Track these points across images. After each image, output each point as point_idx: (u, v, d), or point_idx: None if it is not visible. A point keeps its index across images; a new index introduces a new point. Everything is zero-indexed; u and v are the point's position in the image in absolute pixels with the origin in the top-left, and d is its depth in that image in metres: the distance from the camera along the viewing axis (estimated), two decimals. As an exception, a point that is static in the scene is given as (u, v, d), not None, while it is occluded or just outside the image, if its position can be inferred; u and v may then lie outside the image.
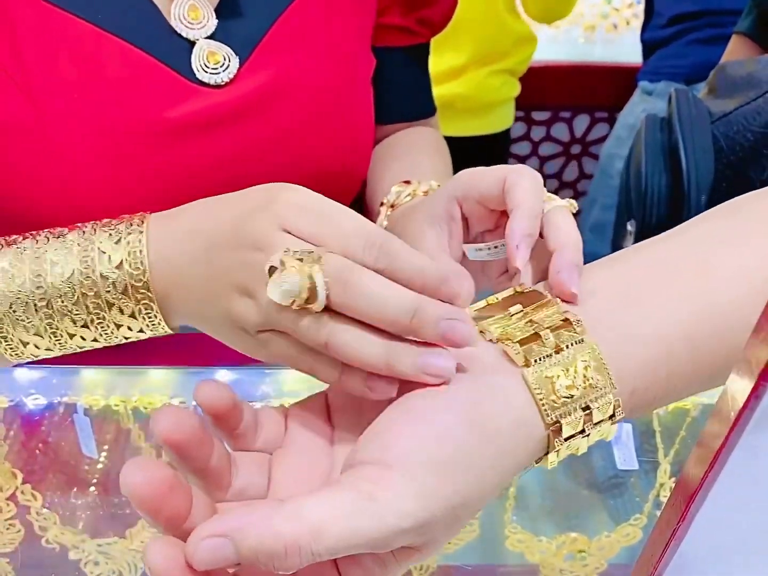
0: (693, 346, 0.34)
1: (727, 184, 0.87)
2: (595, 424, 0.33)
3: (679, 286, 0.35)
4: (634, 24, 1.99)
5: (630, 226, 0.96)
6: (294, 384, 0.52)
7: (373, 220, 0.62)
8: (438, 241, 0.45)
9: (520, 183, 0.41)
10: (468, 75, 1.35)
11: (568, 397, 0.32)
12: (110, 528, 0.61)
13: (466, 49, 1.33)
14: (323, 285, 0.32)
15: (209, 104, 0.54)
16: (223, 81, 0.55)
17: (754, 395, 0.19)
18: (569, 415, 0.32)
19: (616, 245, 1.01)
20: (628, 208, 0.98)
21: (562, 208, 0.40)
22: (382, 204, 0.57)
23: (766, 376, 0.19)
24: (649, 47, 1.57)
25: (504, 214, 0.43)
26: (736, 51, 1.20)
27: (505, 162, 1.53)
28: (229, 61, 0.55)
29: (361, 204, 0.70)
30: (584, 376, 0.32)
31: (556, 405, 0.32)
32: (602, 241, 1.61)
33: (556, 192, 1.97)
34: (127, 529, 0.60)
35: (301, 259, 0.32)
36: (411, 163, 0.65)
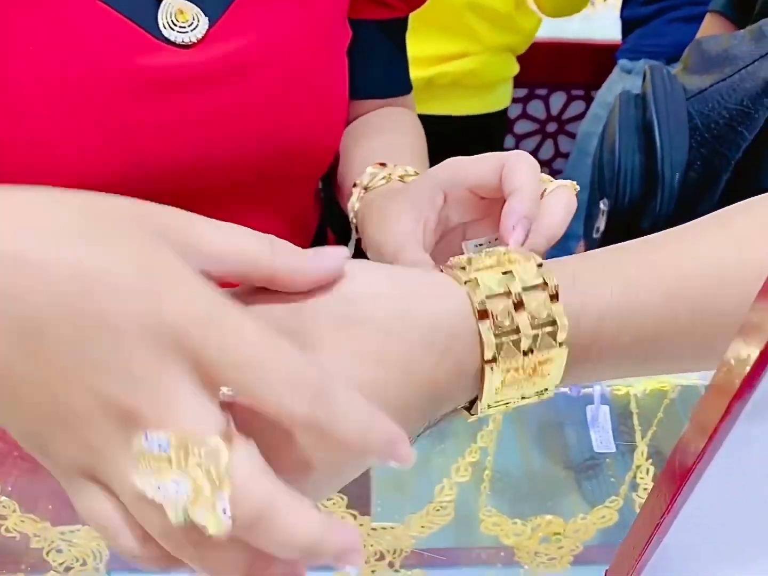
0: (693, 310, 0.32)
1: (702, 162, 0.86)
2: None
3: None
4: (611, 1, 1.97)
5: (603, 205, 0.95)
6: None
7: (344, 200, 0.61)
8: (413, 227, 0.43)
9: (520, 167, 0.40)
10: (475, 54, 1.33)
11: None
12: (74, 515, 0.59)
13: (479, 39, 1.30)
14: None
15: (175, 63, 0.52)
16: (190, 41, 0.53)
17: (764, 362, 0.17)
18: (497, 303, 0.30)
19: (589, 224, 1.00)
20: (600, 187, 0.97)
21: (565, 187, 0.40)
22: (355, 185, 0.56)
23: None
24: (628, 25, 1.56)
25: (494, 203, 0.42)
26: (710, 29, 1.19)
27: (503, 141, 1.52)
28: (198, 20, 0.53)
29: (332, 181, 0.68)
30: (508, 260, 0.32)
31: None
32: (577, 219, 1.60)
33: (531, 170, 1.98)
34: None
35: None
36: (386, 143, 0.64)
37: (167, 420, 0.24)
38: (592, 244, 0.98)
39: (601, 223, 0.94)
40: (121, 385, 0.24)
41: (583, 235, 1.03)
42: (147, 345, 0.24)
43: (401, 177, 0.54)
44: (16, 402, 0.25)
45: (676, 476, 0.23)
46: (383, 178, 0.54)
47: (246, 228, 0.29)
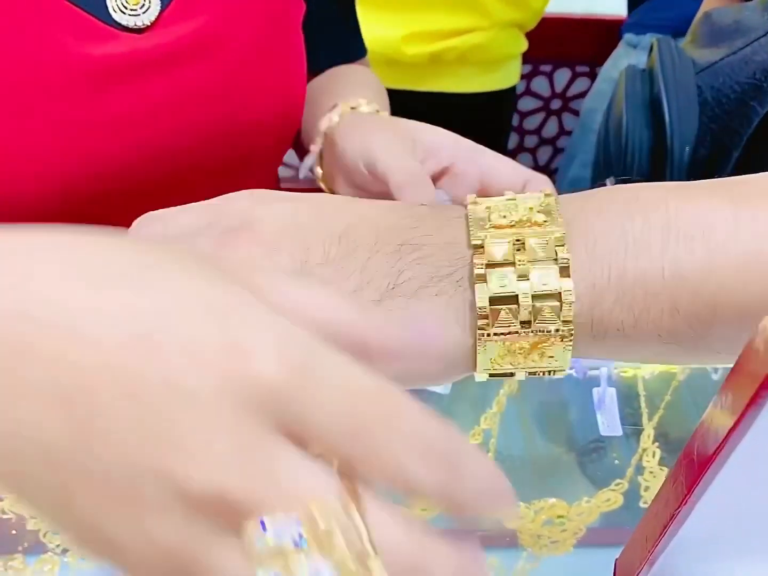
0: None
1: (712, 139, 0.84)
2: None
3: None
4: (617, -25, 1.93)
5: (609, 183, 0.93)
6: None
7: (308, 138, 0.61)
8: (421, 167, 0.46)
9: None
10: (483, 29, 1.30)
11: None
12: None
13: (488, 13, 1.27)
14: None
15: (129, 50, 0.50)
16: (143, 24, 0.51)
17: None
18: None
19: None
20: (606, 164, 0.95)
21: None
22: (335, 106, 0.56)
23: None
24: (635, -1, 1.53)
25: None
26: (716, 1, 1.17)
27: (511, 120, 1.49)
28: (149, 3, 0.51)
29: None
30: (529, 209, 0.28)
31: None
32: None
33: (535, 149, 1.95)
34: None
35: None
36: (336, 88, 0.64)
37: (281, 499, 0.18)
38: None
39: (607, 201, 0.92)
40: (203, 467, 0.18)
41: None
42: (231, 408, 0.18)
43: (353, 108, 0.54)
44: (69, 497, 0.19)
45: (695, 465, 0.21)
46: (337, 115, 0.54)
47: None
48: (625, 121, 0.90)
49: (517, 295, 0.26)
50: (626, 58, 1.48)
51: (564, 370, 0.28)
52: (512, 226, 0.27)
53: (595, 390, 0.48)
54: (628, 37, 1.50)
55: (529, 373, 0.28)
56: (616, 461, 0.61)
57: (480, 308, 0.26)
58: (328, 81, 0.67)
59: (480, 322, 0.26)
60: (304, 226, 0.28)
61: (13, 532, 0.60)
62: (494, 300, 0.26)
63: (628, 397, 0.51)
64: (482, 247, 0.27)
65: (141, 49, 0.51)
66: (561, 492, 0.60)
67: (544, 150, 1.96)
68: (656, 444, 0.55)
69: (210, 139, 0.56)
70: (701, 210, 0.27)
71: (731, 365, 0.21)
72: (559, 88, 1.88)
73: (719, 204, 0.27)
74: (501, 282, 0.26)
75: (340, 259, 0.27)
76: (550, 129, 1.93)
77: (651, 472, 0.56)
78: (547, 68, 1.85)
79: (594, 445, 0.61)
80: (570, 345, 0.27)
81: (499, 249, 0.26)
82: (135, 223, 0.30)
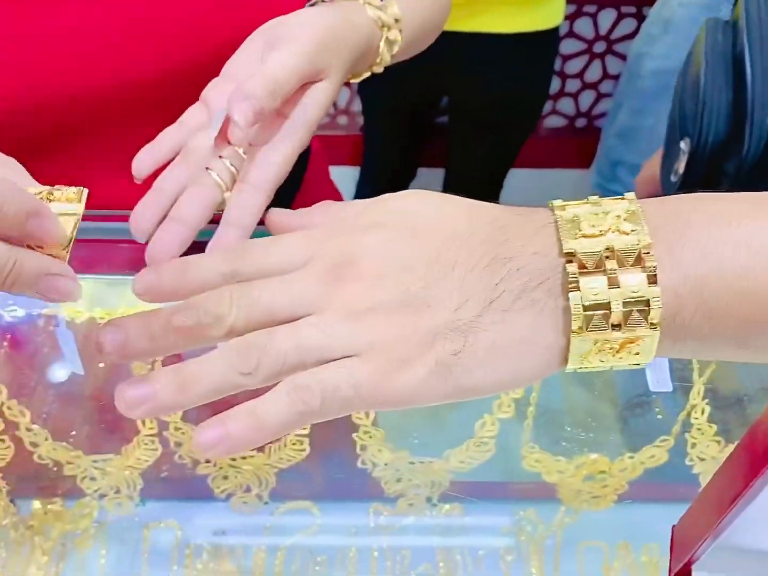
0: None
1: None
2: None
3: None
4: None
5: (683, 145, 0.87)
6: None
7: None
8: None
9: None
10: None
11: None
12: (104, 445, 0.58)
13: None
14: None
15: None
16: None
17: None
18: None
19: (666, 165, 0.92)
20: (681, 124, 0.89)
21: None
22: None
23: None
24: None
25: None
26: None
27: (554, 63, 1.42)
28: None
29: None
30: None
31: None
32: (629, 148, 1.52)
33: (577, 93, 1.88)
34: (123, 446, 0.57)
35: None
36: None
37: None
38: (668, 189, 0.90)
39: (680, 165, 0.86)
40: None
41: (660, 178, 0.94)
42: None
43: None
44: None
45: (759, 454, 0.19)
46: None
47: None
48: (703, 79, 0.84)
49: (609, 302, 0.28)
50: (679, -2, 1.40)
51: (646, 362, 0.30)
52: (602, 234, 0.29)
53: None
54: None
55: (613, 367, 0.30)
56: (661, 417, 0.59)
57: (574, 315, 0.28)
58: None
59: (574, 326, 0.28)
60: (400, 255, 0.31)
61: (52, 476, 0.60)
62: (587, 307, 0.28)
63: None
64: (574, 255, 0.28)
65: None
66: (604, 447, 0.58)
67: (587, 94, 1.89)
68: (705, 401, 0.53)
69: (170, 66, 0.51)
70: None
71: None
72: (603, 31, 1.81)
73: None
74: (593, 290, 0.28)
75: (439, 281, 0.30)
76: (593, 73, 1.86)
77: (699, 429, 0.54)
78: (591, 8, 1.77)
79: (639, 399, 0.59)
80: (654, 345, 0.29)
81: (590, 257, 0.28)
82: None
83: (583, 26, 1.80)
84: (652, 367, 0.45)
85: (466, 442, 0.56)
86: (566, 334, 0.29)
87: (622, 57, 1.81)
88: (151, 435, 0.56)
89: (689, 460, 0.57)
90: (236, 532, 0.63)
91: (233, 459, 0.58)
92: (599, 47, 1.83)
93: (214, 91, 0.43)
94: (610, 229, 0.29)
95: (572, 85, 1.88)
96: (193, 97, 0.44)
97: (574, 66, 1.85)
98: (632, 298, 0.28)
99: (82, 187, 0.32)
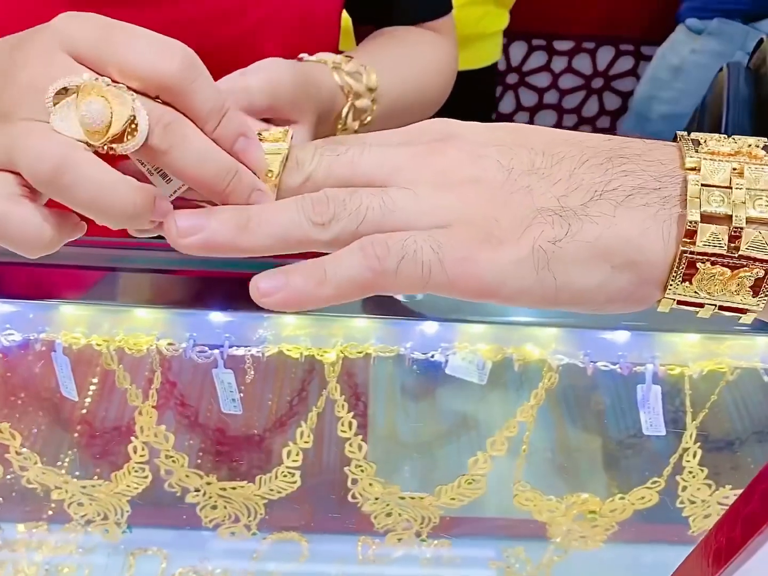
0: None
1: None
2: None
3: None
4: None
5: None
6: (293, 329, 0.48)
7: None
8: None
9: None
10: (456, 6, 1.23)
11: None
12: (94, 471, 0.58)
13: None
14: (146, 120, 0.26)
15: None
16: None
17: None
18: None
19: None
20: None
21: None
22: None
23: None
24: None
25: None
26: None
27: (493, 99, 1.41)
28: None
29: None
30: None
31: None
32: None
33: (574, 128, 1.90)
34: (113, 472, 0.57)
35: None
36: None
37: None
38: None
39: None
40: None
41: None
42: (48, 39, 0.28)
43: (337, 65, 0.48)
44: None
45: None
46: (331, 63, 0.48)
47: None
48: (724, 122, 0.84)
49: (730, 216, 0.25)
50: (690, 43, 1.41)
51: (751, 315, 0.27)
52: (731, 155, 0.26)
53: (639, 387, 0.46)
54: (690, 22, 1.42)
55: (719, 309, 0.27)
56: (653, 459, 0.59)
57: (690, 222, 0.25)
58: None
59: (686, 239, 0.25)
60: (505, 141, 0.28)
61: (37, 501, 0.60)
62: (705, 218, 0.25)
63: (670, 393, 0.49)
64: (697, 169, 0.26)
65: None
66: (594, 488, 0.58)
67: (583, 130, 1.91)
68: (697, 444, 0.53)
69: None
70: None
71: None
72: (601, 67, 1.83)
73: None
74: (716, 201, 0.25)
75: (546, 168, 0.27)
76: (591, 108, 1.88)
77: (691, 473, 0.54)
78: (590, 45, 1.80)
79: (631, 441, 0.59)
80: None
81: (715, 173, 0.26)
82: None
83: (582, 62, 1.82)
84: (645, 409, 0.46)
85: (458, 478, 0.56)
86: (676, 247, 0.26)
87: (620, 93, 1.83)
88: (141, 462, 0.55)
89: (680, 503, 0.57)
90: (222, 561, 0.63)
91: (223, 489, 0.57)
92: (597, 83, 1.85)
93: None
94: (740, 152, 0.27)
95: (569, 120, 1.90)
96: None
97: (571, 101, 1.87)
98: (758, 217, 0.25)
99: (287, 128, 0.32)
